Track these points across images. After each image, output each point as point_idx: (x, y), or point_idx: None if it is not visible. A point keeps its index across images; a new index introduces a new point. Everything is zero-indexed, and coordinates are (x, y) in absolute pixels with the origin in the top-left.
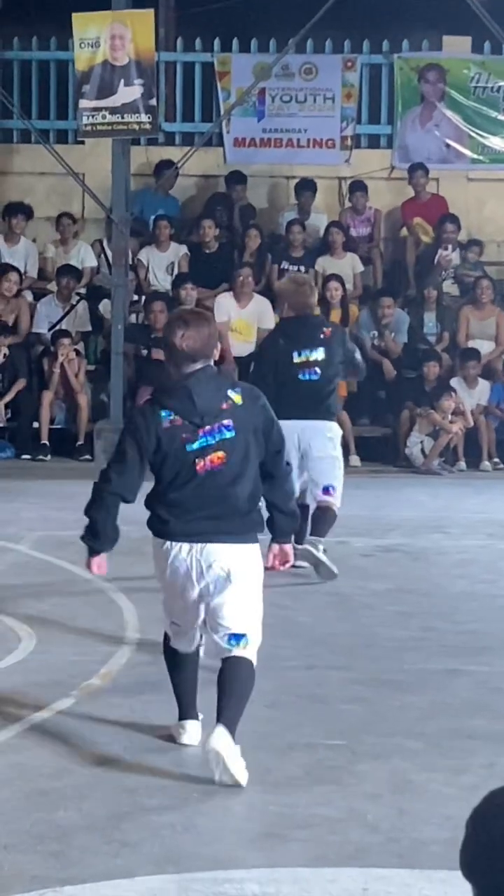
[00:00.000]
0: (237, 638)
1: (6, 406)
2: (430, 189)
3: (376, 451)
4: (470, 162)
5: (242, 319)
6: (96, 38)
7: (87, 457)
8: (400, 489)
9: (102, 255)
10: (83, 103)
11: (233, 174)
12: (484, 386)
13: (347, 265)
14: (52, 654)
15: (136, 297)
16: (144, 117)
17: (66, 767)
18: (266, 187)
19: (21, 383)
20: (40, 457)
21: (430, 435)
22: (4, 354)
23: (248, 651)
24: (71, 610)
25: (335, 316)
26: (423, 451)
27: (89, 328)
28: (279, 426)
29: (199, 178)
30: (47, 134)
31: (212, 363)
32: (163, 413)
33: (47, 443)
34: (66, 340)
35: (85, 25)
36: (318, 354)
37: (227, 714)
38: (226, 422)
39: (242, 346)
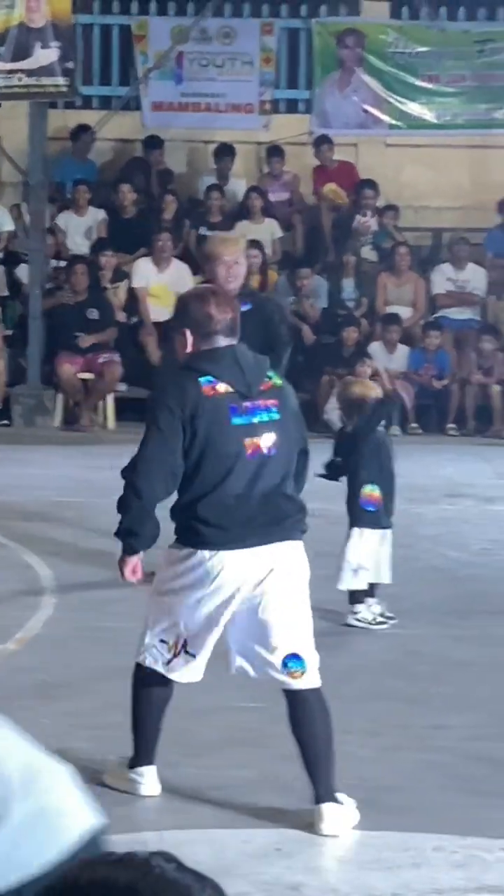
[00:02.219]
0: (296, 661)
1: None
2: (348, 155)
3: None
4: (388, 127)
5: (161, 284)
6: (12, 0)
7: (5, 422)
8: (318, 454)
9: (20, 220)
10: None
11: (150, 138)
12: (403, 351)
13: (266, 231)
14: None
15: (55, 263)
16: (61, 80)
17: None
18: (184, 152)
19: None
20: None
21: None
22: None
23: (309, 677)
24: None
25: (254, 282)
26: (340, 416)
27: (6, 293)
28: (304, 424)
29: (116, 142)
30: None
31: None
32: (202, 379)
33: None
34: None
35: None
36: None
37: (325, 781)
38: (271, 402)
39: (161, 310)
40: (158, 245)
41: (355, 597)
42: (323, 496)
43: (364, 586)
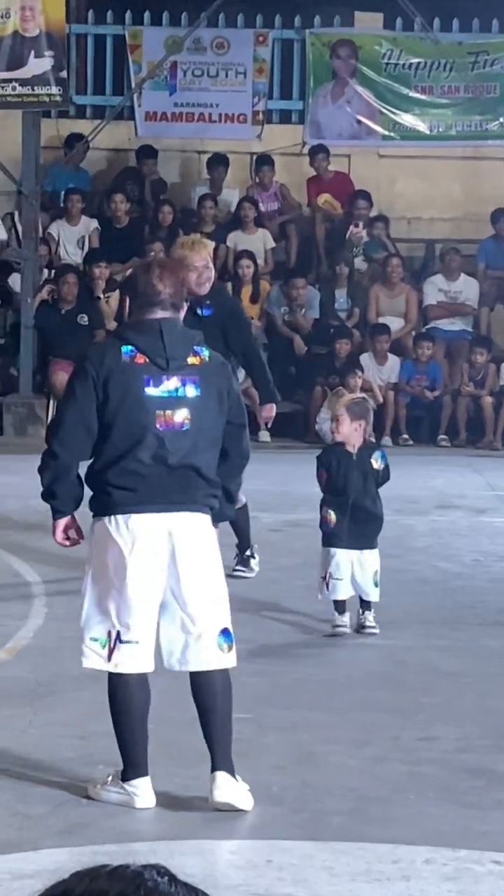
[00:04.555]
0: (226, 635)
1: None
2: (341, 166)
3: (286, 427)
4: (381, 138)
5: None
6: (6, 9)
7: None
8: (308, 465)
9: (13, 229)
10: None
11: (144, 148)
12: (394, 362)
13: (259, 241)
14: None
15: (47, 274)
16: (55, 89)
17: None
18: (177, 162)
19: None
20: None
21: None
22: None
23: (232, 655)
24: None
25: (246, 292)
26: (332, 427)
27: None
28: (241, 399)
29: (109, 151)
30: None
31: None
32: (124, 348)
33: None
34: None
35: None
36: None
37: (222, 752)
38: (192, 377)
39: None
40: (151, 255)
41: (336, 606)
42: (312, 507)
43: (338, 597)
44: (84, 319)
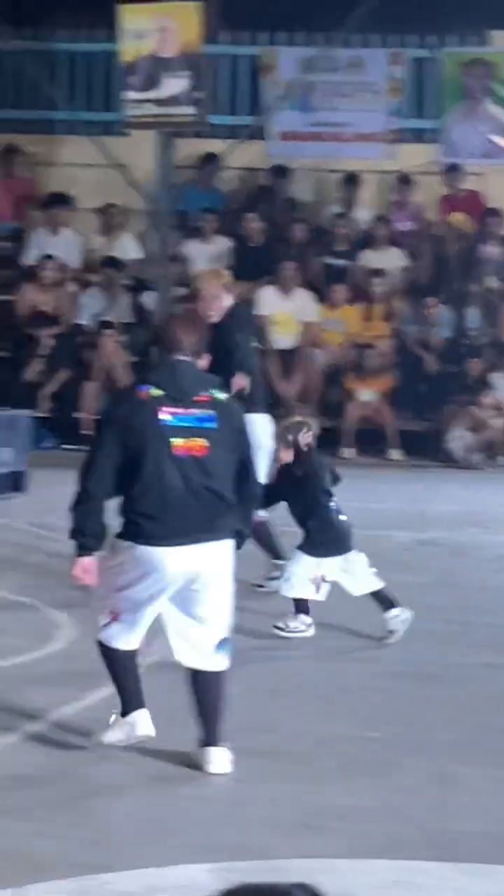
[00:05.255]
0: (224, 645)
1: (49, 396)
2: (474, 184)
3: (417, 446)
4: None
5: (286, 312)
6: (143, 31)
7: None
8: (440, 484)
9: (146, 248)
10: (129, 95)
11: (277, 168)
12: None
13: (391, 259)
14: (90, 643)
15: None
16: (189, 110)
17: (104, 755)
18: (310, 181)
19: (64, 374)
20: (82, 447)
21: (471, 430)
22: (49, 346)
23: (227, 660)
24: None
25: (378, 311)
26: (464, 446)
27: (132, 320)
28: (251, 441)
29: (242, 171)
30: (93, 125)
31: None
32: (140, 386)
33: (90, 433)
34: (108, 331)
35: (132, 17)
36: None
37: (212, 726)
38: (207, 412)
39: (284, 338)
40: (284, 273)
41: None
42: (444, 525)
43: (300, 595)
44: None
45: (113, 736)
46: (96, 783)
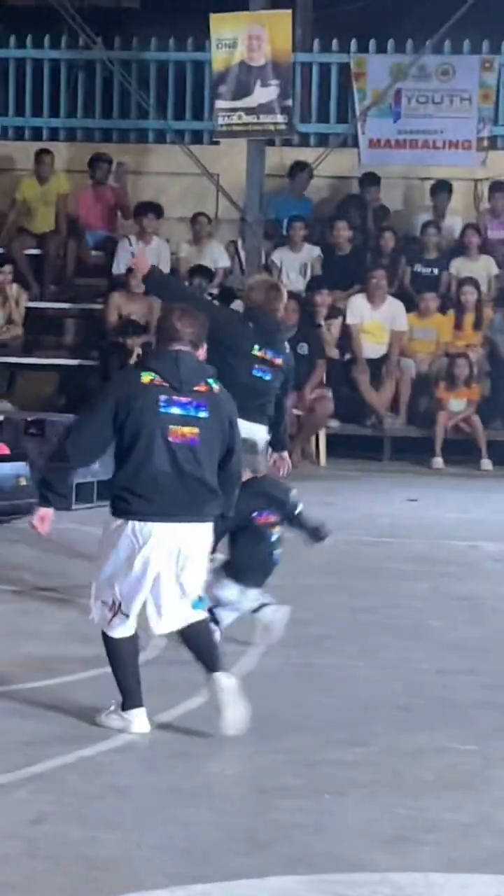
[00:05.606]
0: (200, 602)
1: None
2: None
3: None
4: None
5: (375, 321)
6: (233, 39)
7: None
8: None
9: (236, 257)
10: (219, 104)
11: (367, 175)
12: None
13: (482, 268)
14: (181, 653)
15: None
16: (280, 118)
17: (197, 766)
18: (401, 189)
19: None
20: None
21: None
22: (138, 354)
23: (205, 612)
24: None
25: (469, 319)
26: None
27: None
28: (238, 428)
29: (332, 179)
30: (183, 134)
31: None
32: (143, 373)
33: None
34: None
35: (222, 26)
36: (279, 359)
37: (212, 659)
38: (202, 402)
39: (374, 347)
40: (373, 282)
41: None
42: None
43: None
44: (304, 349)
45: (110, 722)
46: (187, 793)
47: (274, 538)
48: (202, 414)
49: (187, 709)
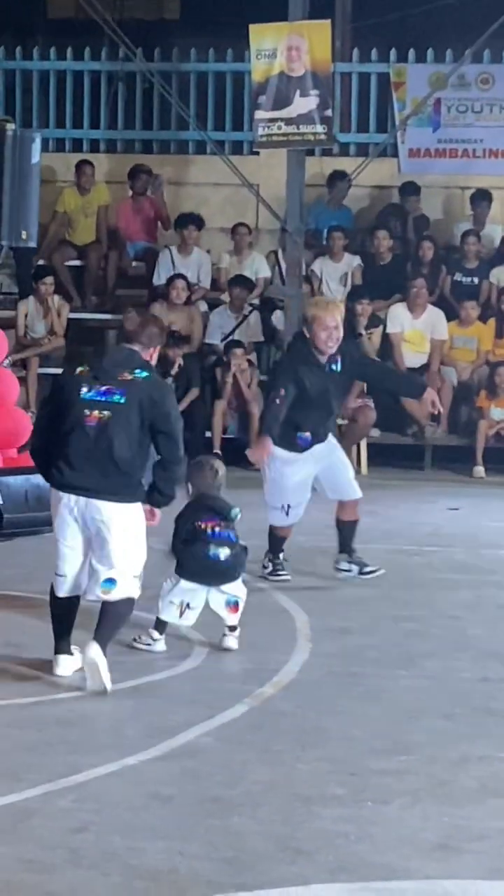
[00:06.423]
0: (110, 583)
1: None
2: None
3: None
4: None
5: (416, 330)
6: (273, 50)
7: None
8: None
9: (276, 267)
10: (259, 114)
11: (407, 185)
12: None
13: None
14: (224, 662)
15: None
16: (320, 128)
17: (239, 774)
18: (440, 198)
19: (194, 393)
20: None
21: None
22: (179, 365)
23: (118, 593)
24: (243, 617)
25: None
26: None
27: (262, 339)
28: (173, 415)
29: (372, 188)
30: (223, 145)
31: (142, 355)
32: (80, 367)
33: (220, 452)
34: (238, 351)
35: (262, 37)
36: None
37: (100, 633)
38: (120, 389)
39: (415, 356)
40: (414, 291)
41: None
42: None
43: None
44: None
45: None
46: (230, 802)
47: (212, 536)
48: (117, 398)
49: (231, 717)
